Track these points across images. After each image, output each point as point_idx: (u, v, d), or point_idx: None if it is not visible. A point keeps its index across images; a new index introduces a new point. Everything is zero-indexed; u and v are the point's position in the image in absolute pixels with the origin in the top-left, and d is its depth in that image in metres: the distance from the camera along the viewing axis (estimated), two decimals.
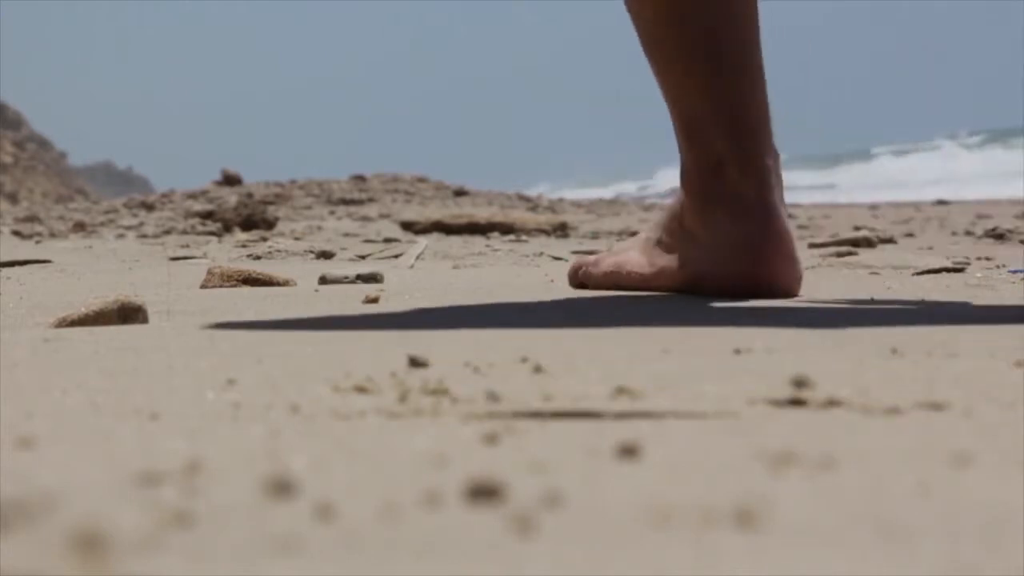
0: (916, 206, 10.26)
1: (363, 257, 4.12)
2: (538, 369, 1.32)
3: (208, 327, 1.82)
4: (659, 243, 2.29)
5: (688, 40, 2.15)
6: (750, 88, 2.16)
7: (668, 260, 2.26)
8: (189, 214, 7.58)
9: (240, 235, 5.79)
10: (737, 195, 2.15)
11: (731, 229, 2.15)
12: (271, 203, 8.80)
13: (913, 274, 2.93)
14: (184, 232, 6.17)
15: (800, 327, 1.71)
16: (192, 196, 9.76)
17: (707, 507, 0.75)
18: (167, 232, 6.27)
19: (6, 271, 3.50)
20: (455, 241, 5.30)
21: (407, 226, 6.06)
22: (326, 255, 4.10)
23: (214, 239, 5.51)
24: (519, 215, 6.35)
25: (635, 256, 2.33)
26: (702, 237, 2.20)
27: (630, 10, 2.22)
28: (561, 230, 6.04)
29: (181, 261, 3.94)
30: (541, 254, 4.33)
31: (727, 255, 2.15)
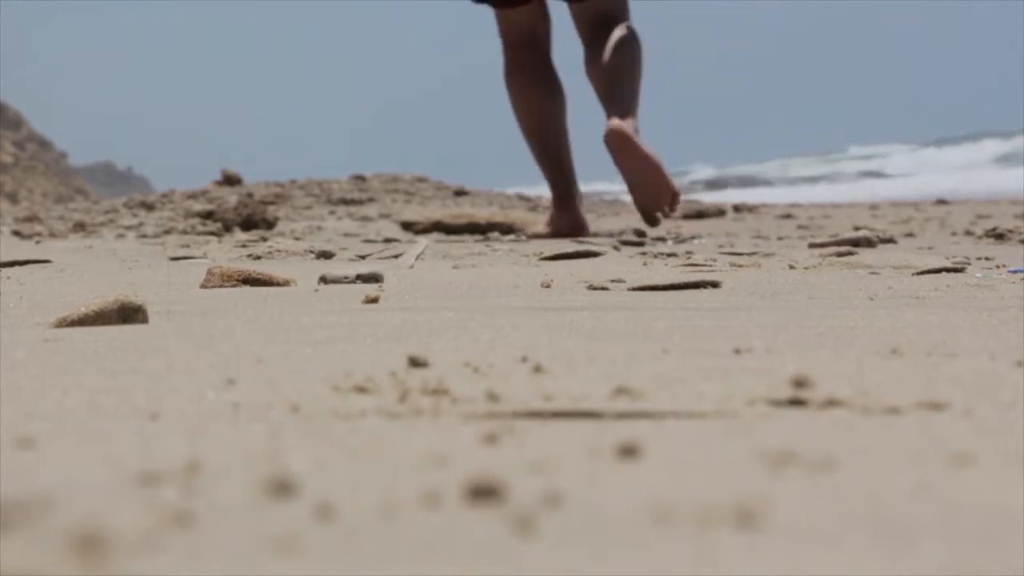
0: (916, 206, 10.26)
1: (363, 257, 4.12)
2: (538, 369, 1.32)
3: (208, 327, 1.82)
4: (550, 222, 5.74)
5: (542, 146, 5.83)
6: (570, 162, 5.81)
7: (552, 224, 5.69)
8: (189, 214, 7.57)
9: (240, 235, 5.79)
10: (571, 204, 5.72)
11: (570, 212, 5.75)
12: (271, 203, 8.79)
13: (913, 274, 2.93)
14: (184, 232, 6.17)
15: (800, 327, 1.71)
16: (192, 196, 9.75)
17: (707, 507, 0.75)
18: (167, 232, 6.27)
19: (6, 271, 3.50)
20: (455, 241, 5.31)
21: (407, 226, 6.06)
22: (326, 255, 4.10)
23: (214, 239, 5.50)
24: (519, 215, 6.34)
25: (543, 224, 5.80)
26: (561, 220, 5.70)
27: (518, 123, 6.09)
28: None
29: (181, 261, 3.94)
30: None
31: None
